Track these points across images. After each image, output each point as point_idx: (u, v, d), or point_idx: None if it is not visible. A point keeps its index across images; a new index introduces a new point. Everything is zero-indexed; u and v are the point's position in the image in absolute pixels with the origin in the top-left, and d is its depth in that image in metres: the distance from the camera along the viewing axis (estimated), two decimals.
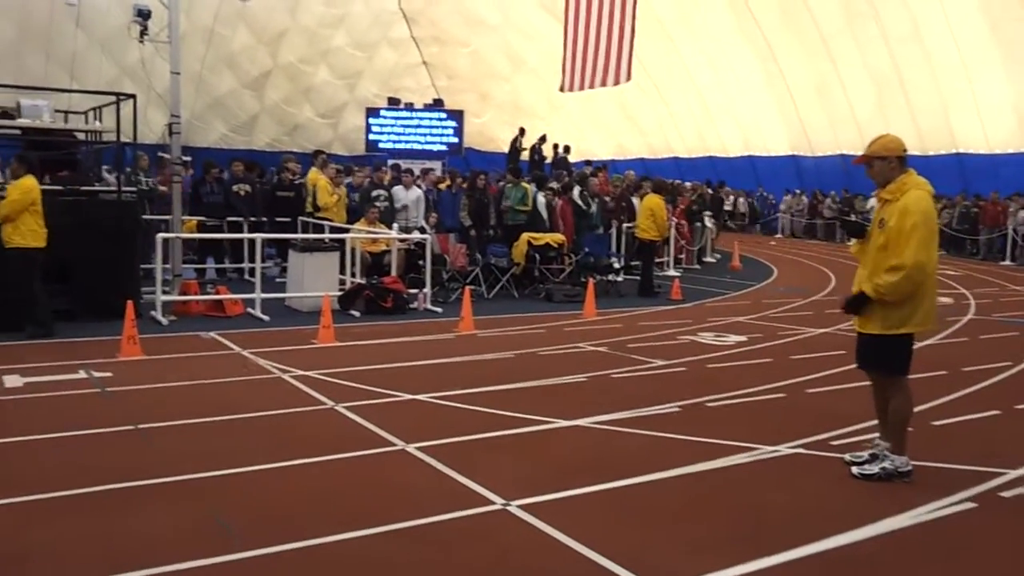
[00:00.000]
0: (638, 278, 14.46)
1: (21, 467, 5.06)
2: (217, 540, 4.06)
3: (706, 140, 32.56)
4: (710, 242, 21.12)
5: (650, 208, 14.07)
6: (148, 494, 4.65)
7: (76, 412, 6.23)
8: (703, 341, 9.93)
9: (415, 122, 30.22)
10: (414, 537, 4.18)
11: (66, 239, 9.44)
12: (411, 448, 5.55)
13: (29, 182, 8.76)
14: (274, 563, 3.86)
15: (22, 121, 10.44)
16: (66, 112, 12.86)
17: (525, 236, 13.60)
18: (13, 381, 7.04)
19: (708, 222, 20.64)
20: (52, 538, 4.04)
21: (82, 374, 7.36)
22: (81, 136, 12.07)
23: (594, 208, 15.77)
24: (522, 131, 24.09)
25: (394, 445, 5.62)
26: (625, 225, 16.89)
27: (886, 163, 5.10)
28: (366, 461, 5.36)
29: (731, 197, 31.03)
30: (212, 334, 9.45)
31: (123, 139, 10.81)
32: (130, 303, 8.30)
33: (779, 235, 30.60)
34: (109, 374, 7.39)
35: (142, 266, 10.71)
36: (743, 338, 10.16)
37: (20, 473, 4.93)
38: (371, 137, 29.90)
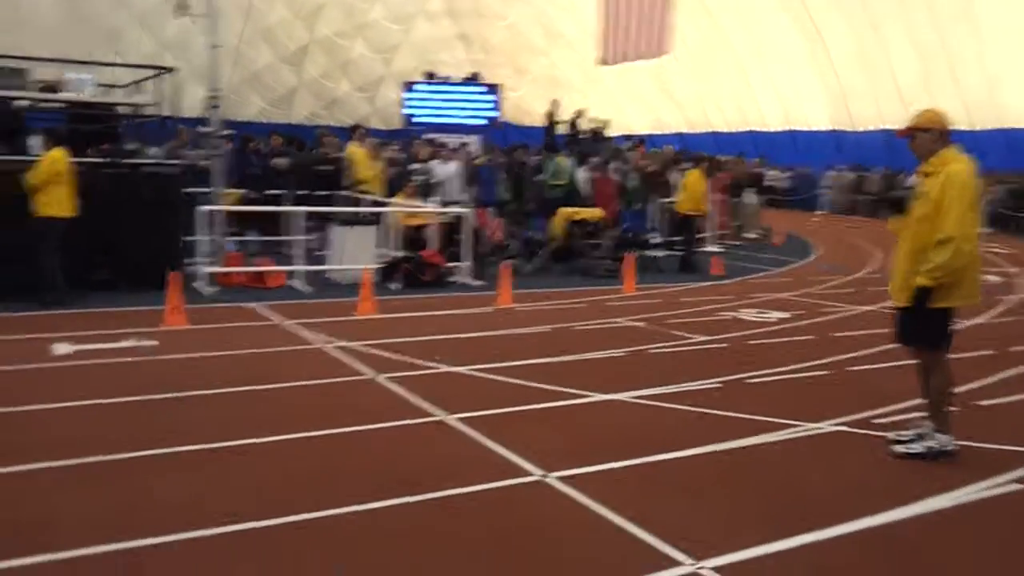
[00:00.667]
0: (679, 254, 14.34)
1: (58, 432, 5.18)
2: (254, 505, 4.13)
3: (746, 114, 32.06)
4: (752, 218, 20.84)
5: (685, 182, 13.96)
6: (188, 460, 4.76)
7: (123, 379, 6.37)
8: (744, 317, 9.85)
9: (452, 96, 30.12)
10: (453, 506, 4.23)
11: (109, 211, 9.62)
12: (451, 419, 5.60)
13: (56, 154, 9.06)
14: (310, 528, 3.93)
15: (65, 95, 10.63)
16: (109, 86, 13.01)
17: (563, 211, 13.55)
18: (63, 349, 7.22)
19: (751, 197, 20.34)
20: (79, 502, 4.14)
21: (129, 343, 7.51)
22: (124, 110, 12.22)
23: (635, 183, 15.64)
24: (555, 103, 23.85)
25: (434, 416, 5.67)
26: (661, 201, 16.75)
27: (929, 136, 5.03)
28: (406, 431, 5.41)
29: (769, 172, 30.59)
30: (254, 305, 9.57)
31: (164, 112, 10.96)
32: (175, 274, 8.44)
33: (821, 211, 30.12)
34: (155, 343, 7.54)
35: (184, 238, 10.85)
36: (785, 315, 10.06)
37: (55, 438, 5.05)
38: (407, 111, 29.88)
